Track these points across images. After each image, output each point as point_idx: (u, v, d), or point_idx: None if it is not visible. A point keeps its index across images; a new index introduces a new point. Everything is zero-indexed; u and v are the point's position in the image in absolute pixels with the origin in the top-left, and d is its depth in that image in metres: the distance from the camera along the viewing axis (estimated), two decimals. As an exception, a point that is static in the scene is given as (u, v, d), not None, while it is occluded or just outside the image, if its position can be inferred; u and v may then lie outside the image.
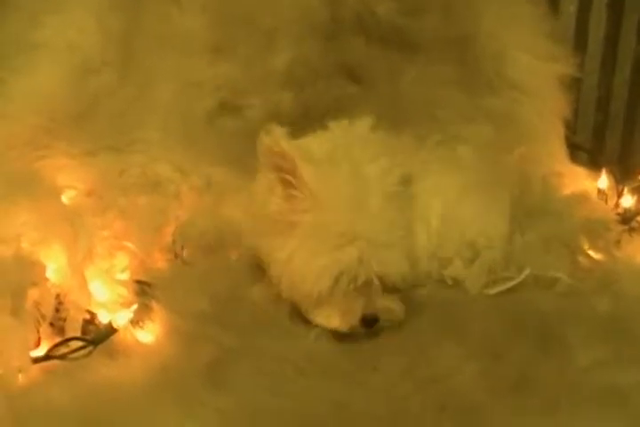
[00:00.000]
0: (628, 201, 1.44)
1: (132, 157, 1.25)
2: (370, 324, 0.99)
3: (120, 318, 0.95)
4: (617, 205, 1.44)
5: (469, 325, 1.02)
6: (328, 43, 1.34)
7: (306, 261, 0.98)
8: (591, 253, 1.24)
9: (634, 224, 1.40)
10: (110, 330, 0.93)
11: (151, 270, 1.15)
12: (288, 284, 1.01)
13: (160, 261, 1.19)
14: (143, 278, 1.11)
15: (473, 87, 1.39)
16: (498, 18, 1.40)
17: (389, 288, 1.00)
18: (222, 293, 1.09)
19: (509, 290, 1.11)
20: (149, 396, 0.84)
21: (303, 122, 1.34)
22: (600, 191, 1.42)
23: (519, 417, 0.81)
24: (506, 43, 1.41)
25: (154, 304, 0.99)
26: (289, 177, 0.99)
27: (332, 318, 0.99)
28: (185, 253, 1.20)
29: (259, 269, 1.15)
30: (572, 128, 1.89)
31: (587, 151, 1.57)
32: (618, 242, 1.32)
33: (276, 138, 1.00)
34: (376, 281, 0.98)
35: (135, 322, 0.97)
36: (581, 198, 1.32)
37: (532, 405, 0.83)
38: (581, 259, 1.22)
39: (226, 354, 0.93)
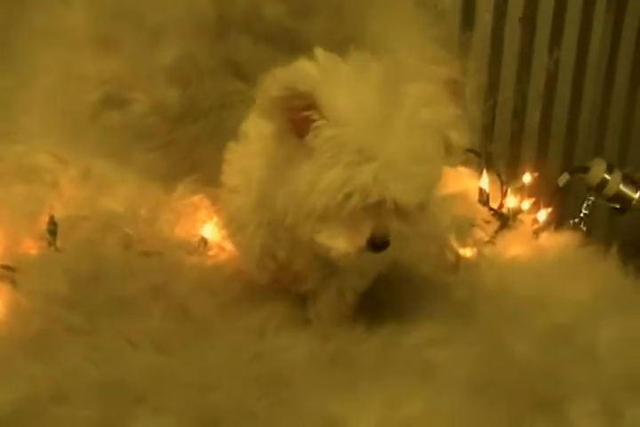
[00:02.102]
0: (511, 201, 1.48)
1: (9, 146, 1.27)
2: (378, 246, 0.89)
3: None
4: (501, 205, 1.48)
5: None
6: (215, 41, 1.38)
7: (318, 174, 0.88)
8: (460, 249, 1.28)
9: (516, 223, 1.45)
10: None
11: (20, 256, 1.17)
12: (295, 201, 0.90)
13: (32, 249, 1.21)
14: (10, 263, 1.14)
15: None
16: (385, 20, 1.44)
17: (403, 216, 0.91)
18: (84, 276, 1.11)
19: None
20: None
21: (188, 118, 1.38)
22: (482, 191, 1.46)
23: (324, 389, 0.83)
24: (392, 45, 1.45)
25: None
26: (309, 113, 0.88)
27: (337, 238, 0.89)
28: (58, 242, 1.22)
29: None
30: (489, 137, 1.97)
31: (476, 154, 1.61)
32: (493, 239, 1.36)
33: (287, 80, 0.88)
34: (390, 204, 0.88)
35: (-23, 301, 0.99)
36: (457, 198, 1.36)
37: (342, 378, 0.86)
38: (448, 254, 1.25)
39: (62, 330, 0.95)
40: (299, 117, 0.89)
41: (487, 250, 1.31)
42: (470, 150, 1.63)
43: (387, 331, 0.98)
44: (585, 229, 1.61)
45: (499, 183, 1.51)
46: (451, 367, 0.88)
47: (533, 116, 1.98)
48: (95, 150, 1.31)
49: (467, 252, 1.30)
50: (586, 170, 1.63)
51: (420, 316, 1.03)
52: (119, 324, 0.99)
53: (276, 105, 0.89)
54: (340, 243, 0.90)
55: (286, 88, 0.87)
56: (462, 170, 1.49)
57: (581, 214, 1.64)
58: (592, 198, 1.63)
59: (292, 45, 1.44)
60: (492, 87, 1.93)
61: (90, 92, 1.32)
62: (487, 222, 1.38)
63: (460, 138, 0.91)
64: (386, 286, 1.12)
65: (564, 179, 1.68)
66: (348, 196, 0.87)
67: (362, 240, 0.89)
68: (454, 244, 1.27)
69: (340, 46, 1.45)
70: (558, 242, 1.34)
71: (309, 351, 0.93)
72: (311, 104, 0.88)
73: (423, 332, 0.98)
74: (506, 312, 1.07)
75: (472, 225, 1.31)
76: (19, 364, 0.85)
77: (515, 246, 1.33)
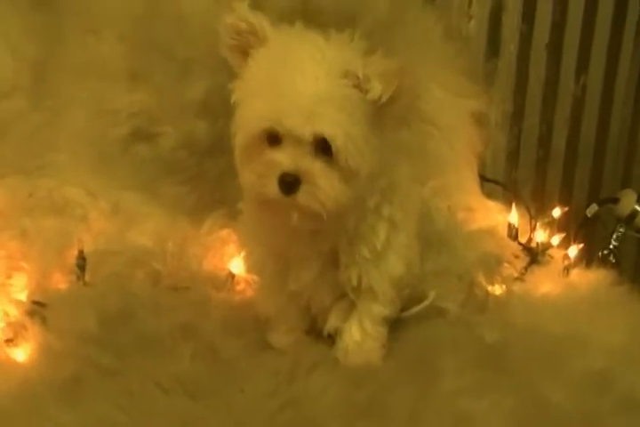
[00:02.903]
0: (540, 236, 1.46)
1: (41, 180, 1.27)
2: (288, 185, 0.89)
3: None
4: (530, 239, 1.47)
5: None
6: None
7: (245, 105, 0.93)
8: (489, 286, 1.27)
9: (546, 258, 1.43)
10: (-26, 347, 0.95)
11: (50, 291, 1.17)
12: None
13: (62, 283, 1.21)
14: (40, 299, 1.14)
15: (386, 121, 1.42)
16: (413, 53, 1.44)
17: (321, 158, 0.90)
18: (112, 314, 1.10)
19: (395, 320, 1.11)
20: (2, 411, 0.85)
21: (217, 151, 1.38)
22: (510, 226, 1.45)
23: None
24: (420, 77, 1.44)
25: (30, 324, 1.01)
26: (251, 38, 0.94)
27: (252, 178, 0.92)
28: (87, 276, 1.22)
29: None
30: (514, 164, 1.96)
31: (502, 186, 1.60)
32: (522, 275, 1.35)
33: (241, 13, 0.94)
34: (309, 137, 0.88)
35: (10, 340, 0.99)
36: (485, 233, 1.35)
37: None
38: (477, 291, 1.24)
39: (93, 373, 0.94)
40: (242, 42, 0.94)
41: (517, 287, 1.29)
42: (497, 183, 1.62)
43: (418, 377, 0.97)
44: (615, 261, 1.59)
45: (527, 217, 1.49)
46: (486, 420, 0.86)
47: (559, 143, 1.97)
48: (124, 184, 1.31)
49: (496, 289, 1.28)
50: (615, 201, 1.61)
51: (450, 360, 1.01)
52: (149, 365, 0.98)
53: (231, 35, 0.94)
54: (253, 181, 0.92)
55: (243, 17, 0.93)
56: (490, 204, 1.48)
57: (611, 246, 1.61)
58: (622, 230, 1.61)
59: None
60: (518, 114, 1.92)
61: (119, 126, 1.32)
62: (516, 257, 1.36)
63: (378, 89, 0.89)
64: (414, 326, 1.11)
65: (592, 210, 1.66)
66: (262, 129, 0.90)
67: (274, 179, 0.89)
68: (482, 281, 1.26)
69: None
70: (590, 279, 1.32)
71: (342, 397, 0.91)
72: (254, 32, 0.94)
73: (455, 379, 0.96)
74: (539, 355, 1.05)
75: (500, 262, 1.29)
76: (49, 411, 0.85)
77: (545, 283, 1.31)
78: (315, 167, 0.90)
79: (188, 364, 0.99)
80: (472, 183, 1.49)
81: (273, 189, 0.90)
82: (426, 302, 1.11)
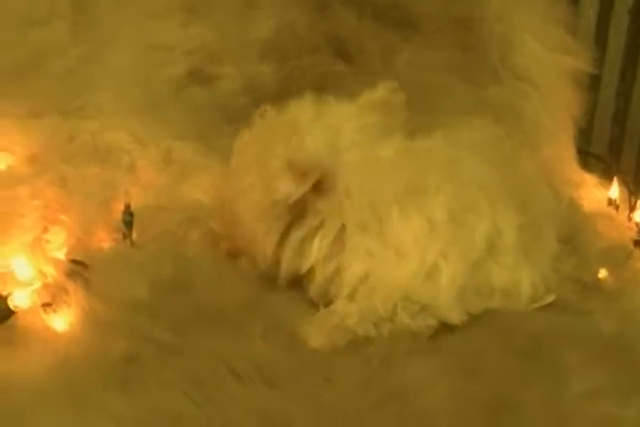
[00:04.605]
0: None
1: (82, 122, 1.10)
2: None
3: (18, 299, 0.79)
4: (629, 218, 1.29)
5: (446, 339, 0.87)
6: (317, 13, 1.20)
7: None
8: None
9: (650, 241, 1.25)
10: (6, 312, 0.78)
11: (92, 250, 1.00)
12: None
13: (105, 241, 1.04)
14: (81, 258, 0.97)
15: (475, 74, 1.25)
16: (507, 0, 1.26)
17: None
18: (166, 281, 0.93)
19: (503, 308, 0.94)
20: (40, 394, 0.69)
21: (283, 98, 1.20)
22: (611, 201, 1.27)
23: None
24: (515, 28, 1.27)
25: (72, 287, 0.84)
26: None
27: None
28: (135, 235, 1.05)
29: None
30: (587, 140, 1.78)
31: (598, 158, 1.42)
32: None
33: None
34: None
35: (48, 305, 0.82)
36: (605, 219, 1.17)
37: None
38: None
39: (149, 351, 0.78)
40: None
41: (626, 272, 1.11)
42: (592, 154, 1.45)
43: (542, 372, 0.80)
44: None
45: (626, 194, 1.31)
46: (642, 429, 0.70)
47: (637, 119, 1.79)
48: (177, 131, 1.14)
49: (603, 272, 1.11)
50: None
51: (572, 354, 0.84)
52: (214, 344, 0.81)
53: None
54: None
55: None
56: (588, 177, 1.30)
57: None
58: None
59: (400, 23, 1.27)
60: (593, 86, 1.74)
61: (173, 64, 1.15)
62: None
63: None
64: (521, 315, 0.94)
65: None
66: None
67: None
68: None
69: (454, 26, 1.29)
70: None
71: (456, 391, 0.75)
72: None
73: (585, 377, 0.79)
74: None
75: (629, 255, 1.11)
76: (98, 397, 0.68)
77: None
78: None
79: (261, 345, 0.82)
80: (570, 153, 1.31)
81: None
82: (542, 303, 0.95)
